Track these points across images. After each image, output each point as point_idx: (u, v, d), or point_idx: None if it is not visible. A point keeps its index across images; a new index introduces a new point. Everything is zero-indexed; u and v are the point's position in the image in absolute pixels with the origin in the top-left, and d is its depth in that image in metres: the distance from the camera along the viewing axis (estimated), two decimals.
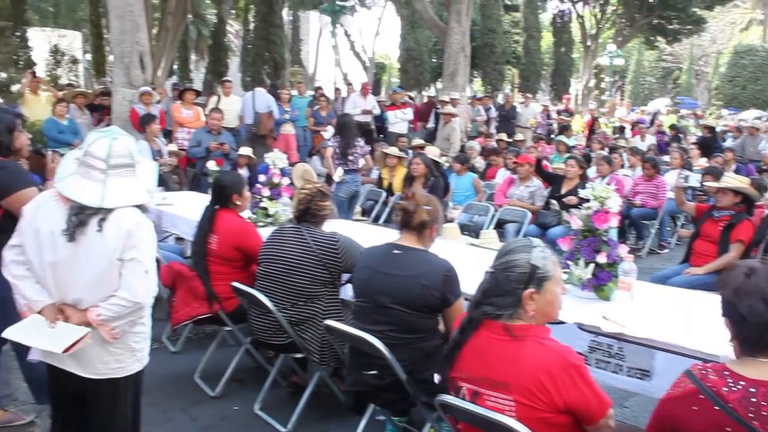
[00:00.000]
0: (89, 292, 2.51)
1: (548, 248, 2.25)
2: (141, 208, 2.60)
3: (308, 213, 3.75)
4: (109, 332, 2.50)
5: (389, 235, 5.45)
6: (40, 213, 2.55)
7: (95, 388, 2.62)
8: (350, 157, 7.88)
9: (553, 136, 14.68)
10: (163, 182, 8.24)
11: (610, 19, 33.93)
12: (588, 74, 33.01)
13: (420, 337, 3.03)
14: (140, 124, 8.76)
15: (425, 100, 15.08)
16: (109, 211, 2.48)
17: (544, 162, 8.63)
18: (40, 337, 2.54)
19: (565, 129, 13.67)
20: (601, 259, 3.41)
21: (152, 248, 2.59)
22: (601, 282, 3.42)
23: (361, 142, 8.03)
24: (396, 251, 3.11)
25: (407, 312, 2.99)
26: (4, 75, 14.35)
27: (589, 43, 33.10)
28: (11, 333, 2.62)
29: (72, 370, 2.59)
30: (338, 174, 8.36)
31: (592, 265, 3.42)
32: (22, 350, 3.71)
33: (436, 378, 2.29)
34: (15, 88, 13.68)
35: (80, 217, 2.46)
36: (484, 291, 2.24)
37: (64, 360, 2.57)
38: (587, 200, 3.52)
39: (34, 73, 12.22)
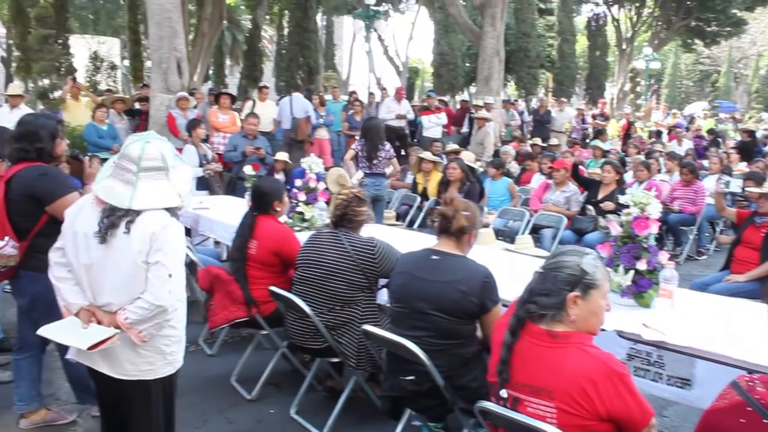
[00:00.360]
0: (118, 295, 2.54)
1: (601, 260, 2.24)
2: (171, 211, 2.61)
3: (345, 218, 3.77)
4: (137, 335, 2.52)
5: (424, 239, 5.47)
6: (79, 216, 2.60)
7: (126, 390, 2.65)
8: (374, 161, 7.87)
9: (588, 140, 14.55)
10: (209, 186, 8.37)
11: (646, 22, 33.55)
12: (623, 78, 32.64)
13: (458, 343, 3.02)
14: (187, 129, 8.92)
15: (458, 104, 15.01)
16: (138, 213, 2.49)
17: (581, 167, 8.53)
18: (70, 335, 2.60)
19: (600, 133, 13.54)
20: (641, 266, 3.36)
21: (179, 252, 2.58)
22: (641, 289, 3.38)
23: (387, 146, 7.92)
24: (434, 257, 3.10)
25: (445, 318, 2.98)
26: (46, 81, 14.70)
27: (624, 47, 32.75)
28: (46, 330, 2.68)
29: (103, 371, 2.63)
30: (356, 176, 8.38)
31: (631, 272, 3.38)
32: (64, 351, 3.80)
33: (503, 393, 2.24)
34: (57, 94, 13.98)
35: (111, 219, 2.49)
36: (530, 289, 2.23)
37: (96, 360, 2.63)
38: (626, 206, 3.48)
39: (74, 79, 12.48)
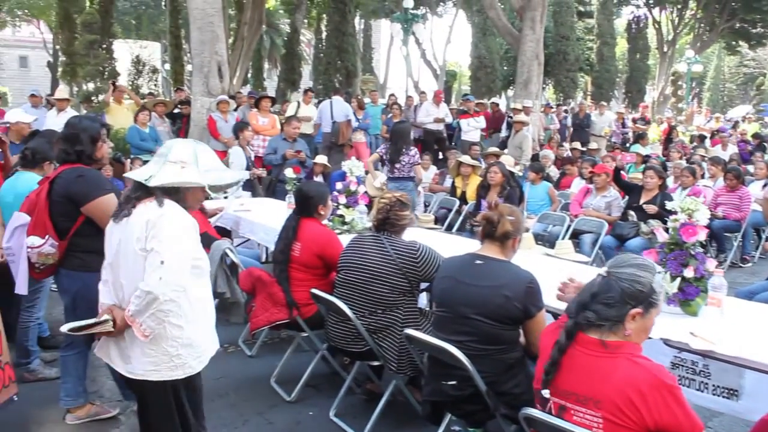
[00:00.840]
0: (128, 288, 2.60)
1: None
2: (191, 202, 2.74)
3: (387, 222, 3.77)
4: (138, 329, 2.53)
5: (463, 243, 5.45)
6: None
7: (137, 387, 2.72)
8: (397, 165, 7.86)
9: (628, 144, 14.36)
10: (252, 187, 8.47)
11: (688, 24, 33.04)
12: (664, 81, 32.14)
13: (501, 348, 2.99)
14: (234, 131, 9.06)
15: (489, 108, 14.88)
16: (139, 200, 2.60)
17: (622, 171, 8.41)
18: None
19: (641, 138, 13.34)
20: (689, 273, 3.30)
21: (173, 240, 2.56)
22: (687, 297, 3.32)
23: (412, 151, 7.94)
24: (478, 261, 3.09)
25: (488, 323, 2.96)
26: (91, 85, 15.03)
27: (665, 49, 32.28)
28: (67, 326, 2.79)
29: (115, 367, 2.70)
30: (379, 180, 8.40)
31: (678, 280, 3.32)
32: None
33: (545, 392, 2.22)
34: (101, 97, 14.27)
35: (128, 198, 2.63)
36: (593, 294, 2.17)
37: (112, 357, 2.71)
38: (672, 212, 3.42)
39: (115, 83, 12.70)
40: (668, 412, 2.01)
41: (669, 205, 3.45)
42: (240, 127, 8.85)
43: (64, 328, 2.65)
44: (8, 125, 6.79)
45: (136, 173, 2.63)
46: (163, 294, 2.48)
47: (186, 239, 2.60)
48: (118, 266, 2.64)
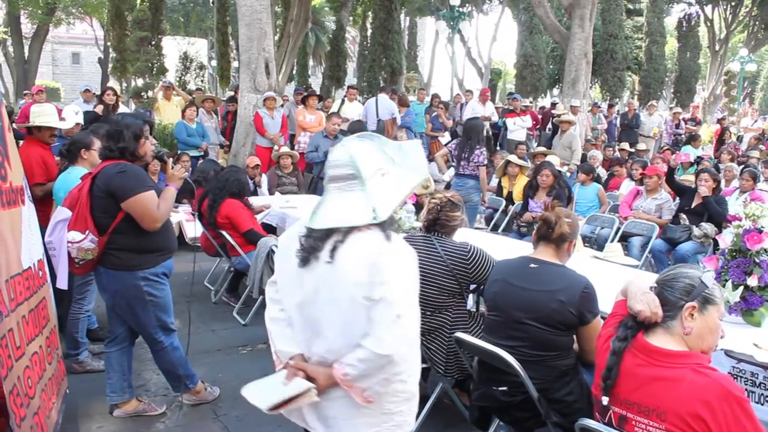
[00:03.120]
0: (335, 341, 2.05)
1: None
2: (386, 228, 2.08)
3: (438, 223, 3.71)
4: (361, 395, 2.03)
5: (513, 244, 5.37)
6: (288, 239, 2.14)
7: None
8: (462, 162, 7.72)
9: (678, 146, 14.01)
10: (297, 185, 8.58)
11: (742, 22, 32.14)
12: (715, 81, 31.35)
13: (554, 354, 2.92)
14: None
15: (537, 109, 14.70)
16: (345, 235, 2.03)
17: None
18: (266, 394, 2.09)
19: (692, 139, 13.01)
20: (752, 281, 3.18)
21: (407, 284, 2.02)
22: (751, 306, 3.20)
23: (478, 150, 7.70)
24: (533, 265, 3.02)
25: (542, 328, 2.89)
26: (140, 82, 15.28)
27: (717, 48, 31.46)
28: (246, 391, 2.13)
29: (315, 430, 2.17)
30: (448, 174, 8.30)
31: (741, 288, 3.20)
32: (157, 348, 3.91)
33: (604, 400, 2.14)
34: (150, 94, 14.49)
35: (309, 240, 2.07)
36: None
37: (306, 419, 2.17)
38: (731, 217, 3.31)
39: (169, 84, 12.88)
40: (737, 425, 1.92)
41: (732, 211, 3.33)
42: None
43: (264, 406, 2.03)
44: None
45: (335, 216, 2.02)
46: (400, 355, 1.99)
47: (415, 279, 2.09)
48: (316, 314, 2.07)
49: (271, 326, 2.20)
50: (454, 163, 7.91)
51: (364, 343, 1.97)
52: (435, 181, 8.77)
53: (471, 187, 7.75)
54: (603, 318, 3.05)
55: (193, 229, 6.09)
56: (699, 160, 10.79)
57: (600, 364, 2.23)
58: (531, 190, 7.25)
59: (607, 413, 2.17)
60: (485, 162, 7.82)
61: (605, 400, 2.13)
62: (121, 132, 3.63)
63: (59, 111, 9.49)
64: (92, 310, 5.01)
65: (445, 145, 10.56)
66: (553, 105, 15.01)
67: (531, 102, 15.60)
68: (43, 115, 4.97)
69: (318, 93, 12.25)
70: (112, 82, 17.64)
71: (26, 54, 27.81)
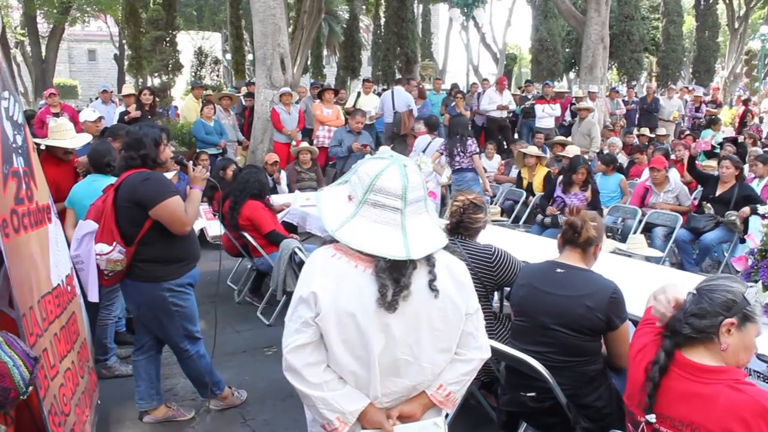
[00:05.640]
0: (427, 371, 1.99)
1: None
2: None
3: (461, 225, 3.68)
4: (453, 404, 2.09)
5: (536, 242, 5.34)
6: (340, 291, 1.89)
7: None
8: (456, 157, 7.87)
9: (698, 130, 13.81)
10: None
11: None
12: (734, 60, 30.84)
13: (583, 360, 2.90)
14: None
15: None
16: (431, 263, 1.96)
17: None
18: None
19: (713, 123, 12.81)
20: None
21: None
22: None
23: (468, 141, 7.93)
24: (559, 270, 3.00)
25: (570, 334, 2.87)
26: (157, 81, 15.33)
27: (737, 26, 30.91)
28: None
29: None
30: (446, 175, 8.34)
31: None
32: (183, 357, 3.94)
33: (651, 417, 2.09)
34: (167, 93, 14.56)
35: (398, 276, 1.89)
36: (684, 310, 2.09)
37: None
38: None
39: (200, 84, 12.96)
40: None
41: (761, 209, 3.27)
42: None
43: None
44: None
45: (385, 248, 1.87)
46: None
47: None
48: (400, 354, 1.93)
49: (319, 392, 1.92)
50: (448, 159, 8.03)
51: (467, 356, 2.02)
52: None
53: (470, 180, 7.89)
54: (631, 320, 3.03)
55: (215, 228, 6.13)
56: (721, 145, 10.63)
57: (633, 376, 2.20)
58: (566, 186, 7.09)
59: (639, 426, 2.15)
60: (477, 150, 8.07)
61: (652, 417, 2.09)
62: (141, 140, 3.66)
63: (77, 114, 9.59)
64: (121, 314, 5.06)
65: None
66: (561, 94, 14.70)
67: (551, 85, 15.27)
68: (57, 131, 5.05)
69: (333, 87, 12.22)
70: (129, 80, 17.69)
71: (43, 53, 28.01)
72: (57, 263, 2.91)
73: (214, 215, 6.13)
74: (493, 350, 3.15)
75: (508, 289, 3.59)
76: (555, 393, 2.84)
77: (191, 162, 4.79)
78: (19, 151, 2.56)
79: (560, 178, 7.23)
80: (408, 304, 1.90)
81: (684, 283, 2.23)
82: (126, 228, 3.58)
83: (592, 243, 3.01)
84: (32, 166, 2.75)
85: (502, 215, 8.20)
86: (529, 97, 14.00)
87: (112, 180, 4.28)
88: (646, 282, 4.19)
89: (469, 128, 8.54)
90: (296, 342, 1.92)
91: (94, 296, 3.77)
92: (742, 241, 6.43)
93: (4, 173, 2.29)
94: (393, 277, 1.88)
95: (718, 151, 10.16)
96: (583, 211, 3.05)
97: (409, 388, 1.99)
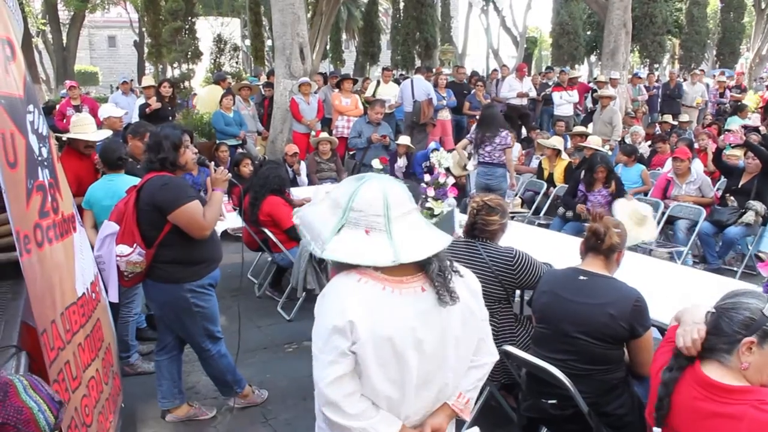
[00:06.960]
0: (450, 380, 1.99)
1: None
2: None
3: (475, 227, 3.64)
4: (470, 410, 2.11)
5: (556, 240, 5.30)
6: (376, 315, 1.83)
7: None
8: (488, 148, 7.58)
9: (721, 116, 13.59)
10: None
11: None
12: (761, 41, 30.23)
13: (605, 368, 2.89)
14: None
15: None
16: (459, 273, 1.98)
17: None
18: None
19: (739, 109, 12.58)
20: None
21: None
22: None
23: (503, 133, 7.54)
24: (582, 277, 2.97)
25: (592, 342, 2.85)
26: (177, 72, 15.35)
27: (763, 6, 30.26)
28: None
29: None
30: (471, 164, 8.20)
31: None
32: (204, 356, 3.98)
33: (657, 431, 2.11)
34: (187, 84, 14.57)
35: (441, 286, 1.89)
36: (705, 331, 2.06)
37: None
38: None
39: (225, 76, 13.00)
40: None
41: None
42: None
43: None
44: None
45: (374, 257, 1.81)
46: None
47: None
48: (429, 367, 1.91)
49: (357, 423, 1.86)
50: (475, 153, 7.83)
51: (482, 361, 2.07)
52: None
53: (500, 176, 7.63)
54: (654, 327, 3.01)
55: (235, 220, 6.15)
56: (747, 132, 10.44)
57: (655, 391, 2.19)
58: (589, 185, 6.97)
59: None
60: (510, 144, 7.67)
61: (657, 431, 2.09)
62: (160, 143, 3.66)
63: (97, 105, 9.66)
64: (141, 311, 5.12)
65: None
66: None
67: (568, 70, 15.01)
68: (78, 125, 5.16)
69: (352, 76, 12.18)
70: (149, 75, 17.71)
71: (64, 41, 28.21)
72: (82, 271, 2.94)
73: (234, 209, 6.15)
74: (515, 357, 3.17)
75: (530, 292, 3.58)
76: (576, 401, 2.83)
77: (212, 163, 4.80)
78: (45, 163, 2.57)
79: (582, 174, 7.13)
80: (438, 314, 1.89)
81: (705, 301, 2.19)
82: (146, 230, 3.61)
83: (615, 250, 2.98)
84: (57, 176, 2.77)
85: (522, 206, 8.15)
86: (550, 84, 13.87)
87: (131, 179, 4.33)
88: (669, 285, 4.17)
89: (501, 119, 8.04)
90: (334, 374, 1.84)
91: (114, 297, 3.84)
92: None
93: (28, 188, 2.31)
94: (439, 283, 1.88)
95: None
96: (606, 218, 3.02)
97: (433, 400, 1.99)
